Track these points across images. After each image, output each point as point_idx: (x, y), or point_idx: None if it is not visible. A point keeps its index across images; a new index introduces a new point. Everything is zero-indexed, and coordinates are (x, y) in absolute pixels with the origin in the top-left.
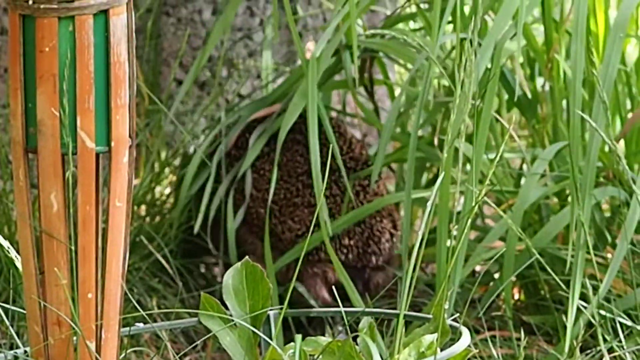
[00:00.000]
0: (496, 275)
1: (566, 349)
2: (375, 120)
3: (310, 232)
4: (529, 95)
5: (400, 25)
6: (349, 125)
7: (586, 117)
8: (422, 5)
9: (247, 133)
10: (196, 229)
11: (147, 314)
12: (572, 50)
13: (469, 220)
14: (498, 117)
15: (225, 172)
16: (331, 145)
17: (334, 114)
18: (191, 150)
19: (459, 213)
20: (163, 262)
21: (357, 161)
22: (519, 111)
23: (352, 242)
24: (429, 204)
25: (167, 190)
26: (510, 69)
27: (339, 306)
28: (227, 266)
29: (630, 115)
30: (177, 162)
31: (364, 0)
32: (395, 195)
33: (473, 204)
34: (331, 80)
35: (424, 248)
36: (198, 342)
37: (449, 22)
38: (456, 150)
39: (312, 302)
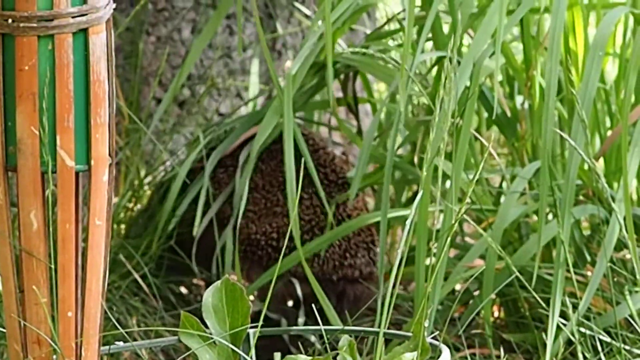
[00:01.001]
0: (476, 293)
1: None
2: (356, 139)
3: (285, 244)
4: (509, 114)
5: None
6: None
7: (565, 135)
8: (403, 23)
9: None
10: (195, 231)
11: (127, 333)
12: (547, 68)
13: (448, 239)
14: (477, 135)
15: (212, 183)
16: (304, 157)
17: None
18: (170, 164)
19: (438, 231)
20: (141, 281)
21: (338, 174)
22: (499, 129)
23: (327, 254)
24: (408, 222)
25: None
26: (490, 87)
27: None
28: (209, 284)
29: (609, 133)
30: (156, 180)
31: (343, 17)
32: (374, 214)
33: (452, 222)
34: (311, 101)
35: (405, 267)
36: (179, 359)
37: (428, 40)
38: (436, 168)
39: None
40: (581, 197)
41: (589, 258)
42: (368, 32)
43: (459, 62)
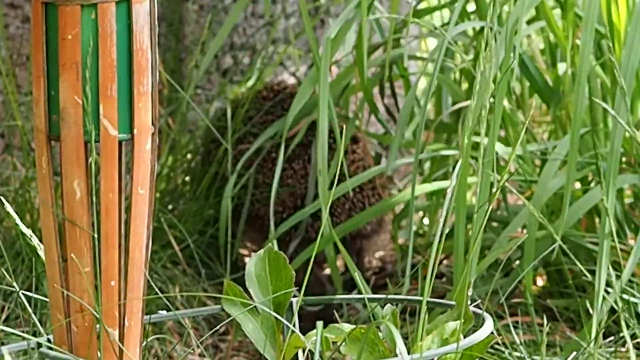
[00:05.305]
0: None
1: (593, 335)
2: (383, 123)
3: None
4: (550, 83)
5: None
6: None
7: (605, 105)
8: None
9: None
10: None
11: (169, 302)
12: (582, 38)
13: (489, 208)
14: (516, 101)
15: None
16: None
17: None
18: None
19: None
20: (179, 253)
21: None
22: (541, 100)
23: (337, 213)
24: (449, 190)
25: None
26: (530, 55)
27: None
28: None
29: None
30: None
31: None
32: (403, 194)
33: (494, 190)
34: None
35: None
36: (219, 326)
37: (472, 12)
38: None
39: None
40: (623, 165)
41: (630, 227)
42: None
43: (499, 32)
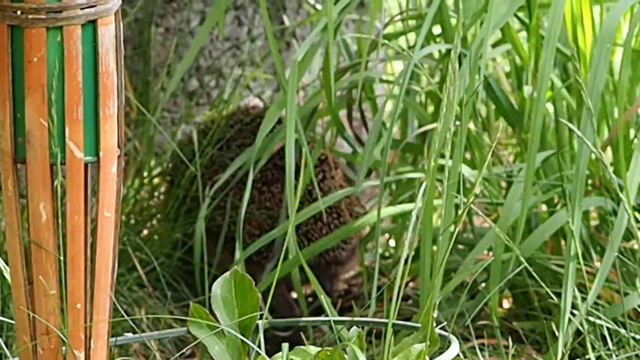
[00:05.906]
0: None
1: (559, 357)
2: (354, 146)
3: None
4: (515, 106)
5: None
6: None
7: (572, 126)
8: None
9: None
10: None
11: (135, 324)
12: (542, 58)
13: (455, 229)
14: (482, 124)
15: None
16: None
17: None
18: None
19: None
20: (144, 277)
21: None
22: (506, 122)
23: (314, 240)
24: (414, 213)
25: (154, 201)
26: (496, 79)
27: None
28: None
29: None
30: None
31: (349, 8)
32: (371, 215)
33: (460, 212)
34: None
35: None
36: (186, 349)
37: (439, 35)
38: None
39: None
40: (589, 187)
41: (596, 249)
42: (377, 23)
43: (464, 54)
